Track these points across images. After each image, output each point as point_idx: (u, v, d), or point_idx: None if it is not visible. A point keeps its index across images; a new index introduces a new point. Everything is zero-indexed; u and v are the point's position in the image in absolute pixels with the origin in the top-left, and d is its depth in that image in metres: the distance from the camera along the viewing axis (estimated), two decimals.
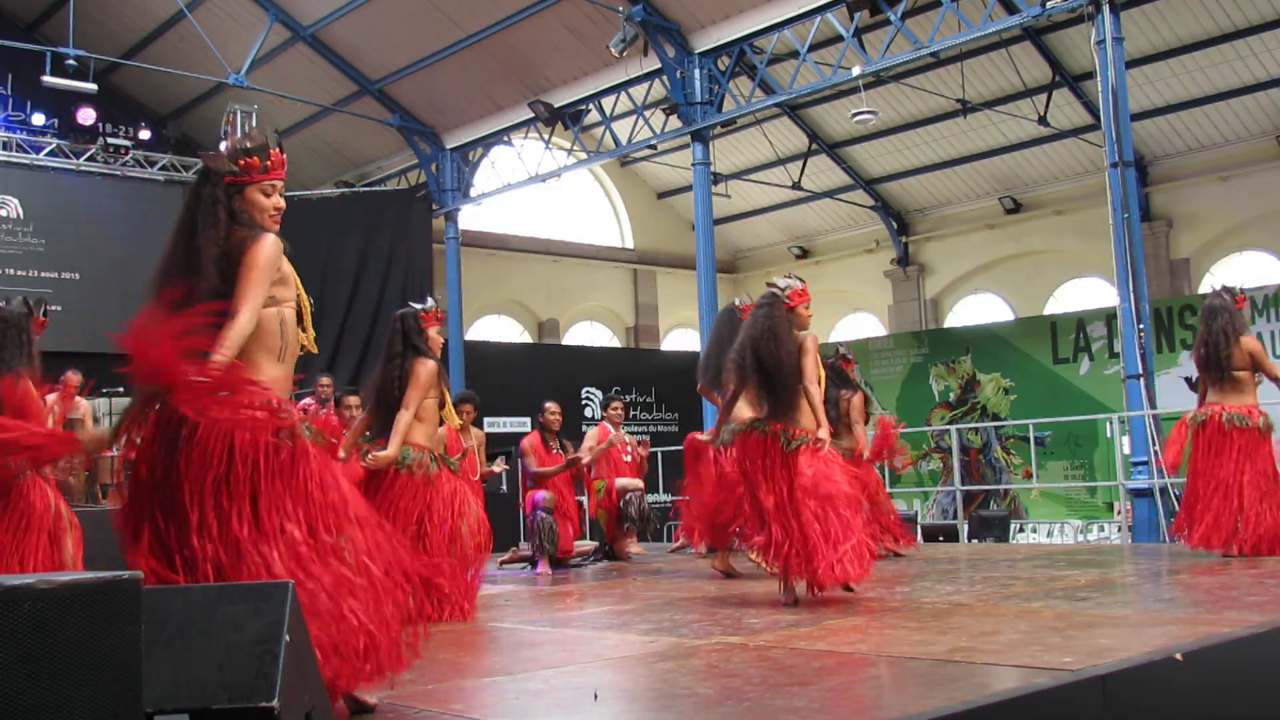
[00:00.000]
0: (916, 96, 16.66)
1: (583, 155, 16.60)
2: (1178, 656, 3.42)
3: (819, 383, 5.62)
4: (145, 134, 15.66)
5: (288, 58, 16.07)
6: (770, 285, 5.77)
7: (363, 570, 3.02)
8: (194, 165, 13.89)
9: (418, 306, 5.78)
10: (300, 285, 3.27)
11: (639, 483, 9.37)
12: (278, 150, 3.26)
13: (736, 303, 7.26)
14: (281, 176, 3.26)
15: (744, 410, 5.97)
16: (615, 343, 21.87)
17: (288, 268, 3.20)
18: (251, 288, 3.03)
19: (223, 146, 3.21)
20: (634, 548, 9.32)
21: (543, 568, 8.41)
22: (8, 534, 5.20)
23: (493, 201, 17.85)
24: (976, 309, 19.88)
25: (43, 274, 14.10)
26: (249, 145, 3.21)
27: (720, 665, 3.81)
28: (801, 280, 5.80)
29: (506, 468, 8.92)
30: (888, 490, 9.14)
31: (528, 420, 13.85)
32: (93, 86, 14.06)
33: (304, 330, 3.28)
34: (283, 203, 3.27)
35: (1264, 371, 7.11)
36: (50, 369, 5.86)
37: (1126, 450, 10.15)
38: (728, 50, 13.80)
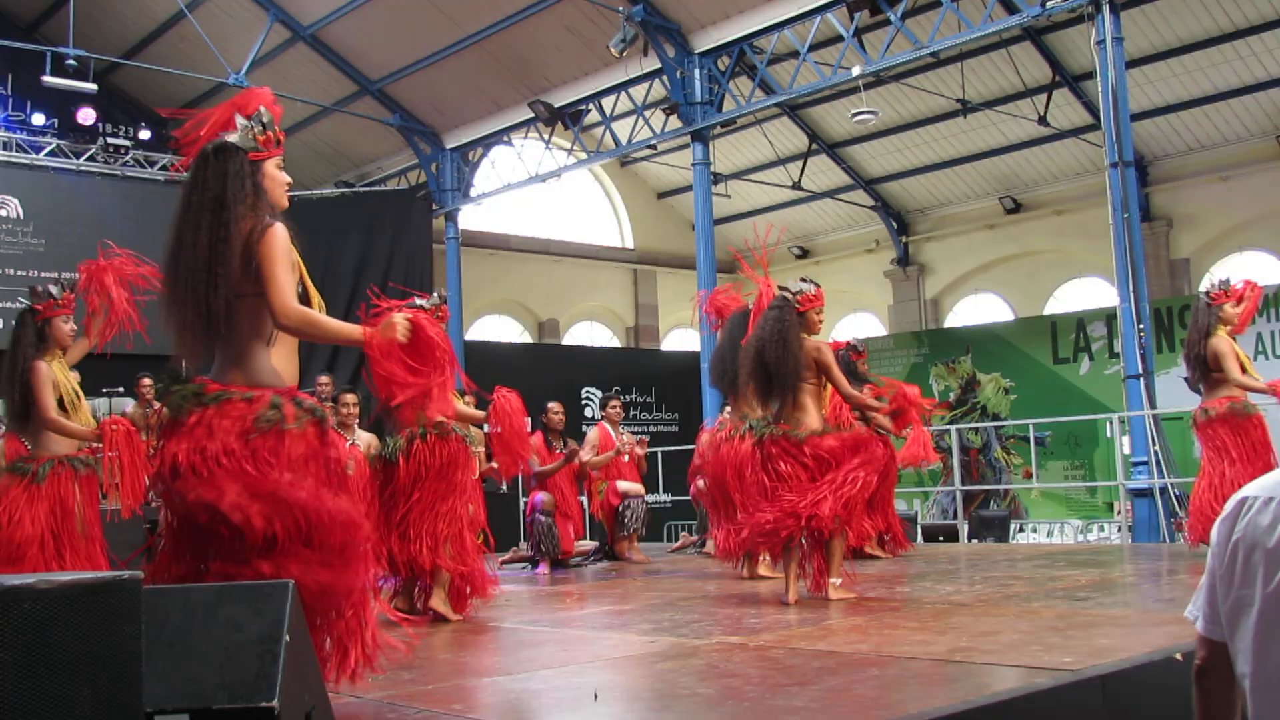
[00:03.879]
0: (916, 96, 16.65)
1: (583, 155, 16.60)
2: (1178, 656, 3.42)
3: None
4: (145, 134, 15.64)
5: (288, 58, 16.07)
6: (783, 289, 5.78)
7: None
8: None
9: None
10: (307, 276, 3.28)
11: (640, 488, 9.30)
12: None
13: (751, 305, 7.32)
14: (282, 151, 3.34)
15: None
16: (615, 343, 21.85)
17: (295, 256, 3.24)
18: (281, 275, 3.09)
19: (232, 137, 3.22)
20: (636, 555, 9.16)
21: (543, 568, 8.42)
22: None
23: (493, 201, 17.85)
24: (976, 309, 19.86)
25: (43, 274, 14.04)
26: (264, 120, 3.26)
27: (720, 665, 3.81)
28: (816, 285, 5.81)
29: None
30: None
31: (527, 420, 13.84)
32: (93, 86, 14.05)
33: None
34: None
35: (1225, 372, 6.70)
36: None
37: (1126, 450, 10.14)
38: (728, 50, 13.80)
